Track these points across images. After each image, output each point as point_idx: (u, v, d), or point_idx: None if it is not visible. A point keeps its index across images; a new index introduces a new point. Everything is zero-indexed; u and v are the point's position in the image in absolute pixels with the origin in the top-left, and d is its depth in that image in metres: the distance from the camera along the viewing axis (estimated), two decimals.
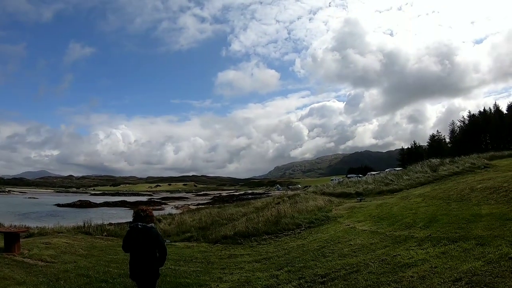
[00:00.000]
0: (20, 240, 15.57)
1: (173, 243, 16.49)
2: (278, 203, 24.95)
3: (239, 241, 15.61)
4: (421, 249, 9.01)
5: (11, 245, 13.05)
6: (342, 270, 8.81)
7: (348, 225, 15.39)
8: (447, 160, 34.13)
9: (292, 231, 16.11)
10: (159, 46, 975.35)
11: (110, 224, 27.27)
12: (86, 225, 20.62)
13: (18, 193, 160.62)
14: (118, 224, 32.51)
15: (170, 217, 28.32)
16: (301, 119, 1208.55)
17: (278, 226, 16.66)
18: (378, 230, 12.95)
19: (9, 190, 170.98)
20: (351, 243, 11.87)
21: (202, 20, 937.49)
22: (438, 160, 35.57)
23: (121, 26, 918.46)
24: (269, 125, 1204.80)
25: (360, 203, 22.62)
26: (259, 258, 12.18)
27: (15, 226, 25.06)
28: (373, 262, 8.90)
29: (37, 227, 25.95)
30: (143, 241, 5.79)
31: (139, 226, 5.82)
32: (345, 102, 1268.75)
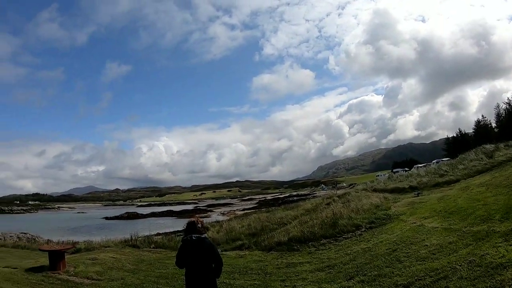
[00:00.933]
0: (67, 256, 15.49)
1: (224, 252, 15.66)
2: (329, 203, 23.84)
3: (295, 247, 14.48)
4: (510, 245, 7.52)
5: (56, 263, 12.79)
6: (426, 278, 7.49)
7: (414, 222, 13.78)
8: (502, 145, 31.52)
9: (352, 233, 14.77)
10: (192, 57, 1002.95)
11: (158, 234, 27.25)
12: (133, 238, 20.39)
13: (67, 209, 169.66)
14: (166, 234, 32.60)
15: (218, 225, 27.98)
16: (340, 116, 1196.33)
17: (336, 228, 15.36)
18: (452, 227, 11.30)
19: (58, 207, 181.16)
20: (426, 243, 10.31)
21: (232, 27, 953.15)
22: (492, 145, 33.08)
23: (153, 42, 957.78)
24: (309, 125, 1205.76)
25: (419, 197, 20.97)
26: (322, 266, 11.00)
27: (62, 242, 25.51)
28: (460, 265, 7.51)
29: (84, 241, 26.29)
30: (199, 253, 5.64)
31: (194, 238, 5.70)
32: (383, 95, 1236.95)
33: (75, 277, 11.65)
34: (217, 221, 33.16)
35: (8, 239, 32.20)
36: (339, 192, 35.23)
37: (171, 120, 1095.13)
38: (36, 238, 36.31)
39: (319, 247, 13.92)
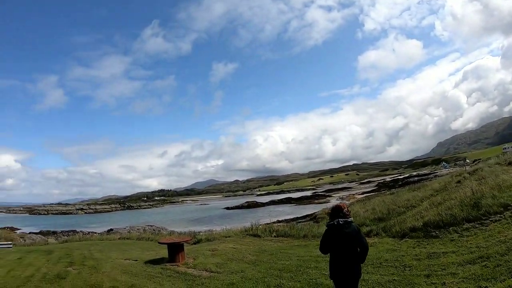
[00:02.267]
0: (187, 247, 15.60)
1: None
2: (459, 181, 20.62)
3: (433, 233, 12.14)
4: None
5: (175, 255, 12.77)
6: None
7: None
8: None
9: (500, 215, 11.72)
10: (294, 46, 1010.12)
11: (278, 221, 26.87)
12: (253, 226, 20.09)
13: (190, 201, 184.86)
14: (286, 222, 32.21)
15: None
16: (456, 85, 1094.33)
17: (480, 209, 12.41)
18: None
19: (182, 200, 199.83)
20: None
21: (329, 9, 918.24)
22: None
23: (254, 37, 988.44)
24: (423, 99, 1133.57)
25: None
26: (472, 257, 8.64)
27: (184, 233, 26.56)
28: None
29: (205, 232, 27.15)
30: (345, 238, 5.61)
31: (340, 222, 5.63)
32: (500, 56, 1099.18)
33: (193, 269, 11.37)
34: None
35: (134, 231, 35.11)
36: (469, 169, 30.93)
37: (283, 109, 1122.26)
38: (161, 230, 39.10)
39: (462, 233, 11.34)
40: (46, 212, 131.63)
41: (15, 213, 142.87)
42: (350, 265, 5.60)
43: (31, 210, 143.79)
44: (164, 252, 14.13)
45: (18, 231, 51.01)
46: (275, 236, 17.81)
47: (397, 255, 10.44)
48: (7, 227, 55.28)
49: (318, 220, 26.12)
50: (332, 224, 5.73)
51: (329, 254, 5.92)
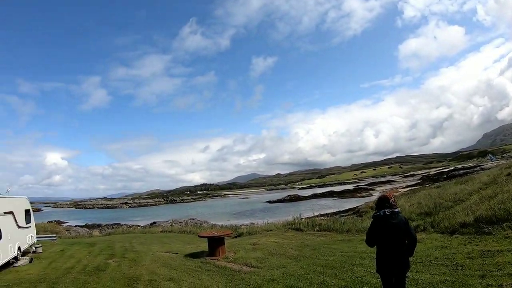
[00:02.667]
0: (228, 241, 15.46)
1: None
2: (509, 174, 19.36)
3: (486, 229, 11.16)
4: None
5: (215, 249, 12.64)
6: None
7: None
8: None
9: None
10: (333, 37, 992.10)
11: (320, 215, 26.41)
12: (296, 220, 19.75)
13: (232, 195, 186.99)
14: (328, 215, 31.56)
15: None
16: (501, 73, 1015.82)
17: None
18: None
19: (224, 194, 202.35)
20: None
21: None
22: None
23: (292, 30, 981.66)
24: (468, 88, 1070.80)
25: None
26: None
27: (226, 226, 26.61)
28: None
29: (246, 225, 27.04)
30: (393, 229, 5.41)
31: (387, 212, 5.44)
32: None
33: (233, 264, 11.15)
34: None
35: (176, 225, 35.57)
36: None
37: (324, 101, 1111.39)
38: (203, 223, 39.42)
39: None
40: (91, 206, 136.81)
41: (62, 207, 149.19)
42: (398, 257, 5.43)
43: (78, 205, 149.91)
44: (204, 246, 14.06)
45: (64, 225, 53.00)
46: (317, 230, 17.39)
47: (447, 253, 9.69)
48: (55, 221, 57.61)
49: (361, 214, 25.40)
50: (379, 214, 5.56)
51: (375, 248, 5.77)
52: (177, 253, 13.95)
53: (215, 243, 12.79)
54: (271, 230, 18.68)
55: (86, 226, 49.04)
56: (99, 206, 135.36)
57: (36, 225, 18.58)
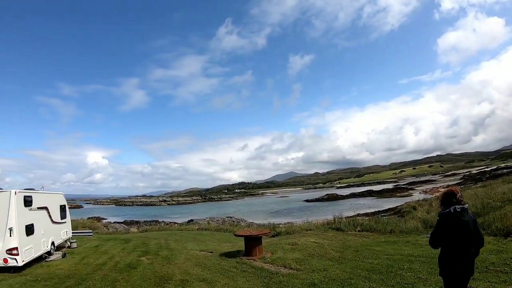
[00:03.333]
0: (265, 240, 14.89)
1: None
2: None
3: None
4: None
5: (252, 249, 12.06)
6: None
7: None
8: None
9: None
10: (370, 32, 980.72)
11: (358, 215, 25.56)
12: (336, 220, 19.06)
13: (270, 194, 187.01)
14: (367, 215, 30.42)
15: (426, 203, 24.95)
16: None
17: None
18: None
19: (262, 193, 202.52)
20: None
21: None
22: None
23: (328, 26, 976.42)
24: (511, 82, 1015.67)
25: None
26: None
27: (263, 225, 26.10)
28: None
29: (284, 224, 26.41)
30: (464, 227, 4.84)
31: (458, 209, 4.83)
32: None
33: (270, 265, 10.51)
34: (425, 200, 29.57)
35: (213, 223, 35.37)
36: None
37: (363, 98, 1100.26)
38: (240, 222, 39.10)
39: None
40: (131, 204, 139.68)
41: (102, 204, 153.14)
42: (466, 259, 4.90)
43: (117, 202, 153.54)
44: (241, 245, 13.62)
45: (104, 221, 53.99)
46: (359, 231, 16.58)
47: (504, 258, 8.70)
48: (94, 217, 59.08)
49: (403, 214, 24.19)
50: (448, 212, 4.94)
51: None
52: (212, 252, 13.49)
53: (252, 242, 12.23)
54: (310, 230, 18.03)
55: (125, 222, 49.77)
56: (138, 204, 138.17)
57: (75, 221, 18.76)
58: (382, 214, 32.37)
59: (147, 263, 11.85)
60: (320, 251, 12.08)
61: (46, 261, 12.92)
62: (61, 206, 15.91)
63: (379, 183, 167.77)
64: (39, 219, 12.93)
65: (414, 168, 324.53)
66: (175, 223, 42.12)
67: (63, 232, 16.02)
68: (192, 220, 44.34)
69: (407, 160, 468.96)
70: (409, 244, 12.09)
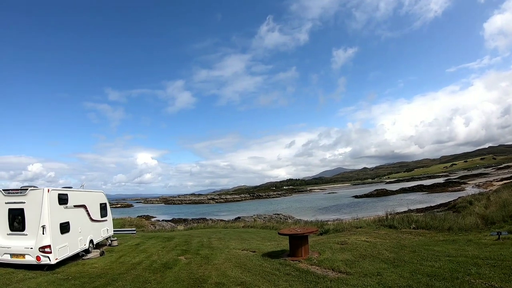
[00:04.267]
0: (312, 239, 13.96)
1: (507, 235, 11.05)
2: None
3: None
4: None
5: (297, 248, 11.13)
6: None
7: None
8: None
9: None
10: (414, 20, 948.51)
11: (409, 210, 24.21)
12: (389, 216, 17.91)
13: (318, 190, 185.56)
14: (424, 211, 28.61)
15: (483, 197, 23.65)
16: None
17: None
18: None
19: (310, 189, 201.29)
20: None
21: None
22: None
23: (369, 17, 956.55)
24: None
25: None
26: None
27: (311, 222, 25.07)
28: None
29: (333, 221, 25.27)
30: None
31: None
32: None
33: (317, 267, 9.49)
34: (481, 193, 27.59)
35: (260, 220, 34.69)
36: None
37: (409, 89, 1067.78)
38: (287, 219, 38.31)
39: None
40: (180, 202, 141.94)
41: (152, 203, 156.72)
42: None
43: (167, 200, 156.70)
44: (286, 244, 12.82)
45: (153, 219, 54.77)
46: (414, 228, 15.36)
47: None
48: (143, 215, 60.24)
49: (459, 209, 22.30)
50: None
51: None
52: (254, 252, 12.65)
53: (297, 241, 11.21)
54: (360, 227, 16.91)
55: (173, 220, 50.25)
56: (187, 202, 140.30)
57: (123, 220, 18.63)
58: (434, 210, 30.67)
59: (184, 262, 11.23)
60: (373, 251, 10.88)
61: (83, 259, 12.71)
62: (101, 204, 15.70)
63: (429, 177, 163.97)
64: (76, 217, 12.72)
65: (466, 161, 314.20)
66: (222, 220, 42.03)
67: (104, 230, 15.82)
68: (239, 218, 44.17)
69: (458, 153, 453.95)
70: (471, 244, 10.70)
